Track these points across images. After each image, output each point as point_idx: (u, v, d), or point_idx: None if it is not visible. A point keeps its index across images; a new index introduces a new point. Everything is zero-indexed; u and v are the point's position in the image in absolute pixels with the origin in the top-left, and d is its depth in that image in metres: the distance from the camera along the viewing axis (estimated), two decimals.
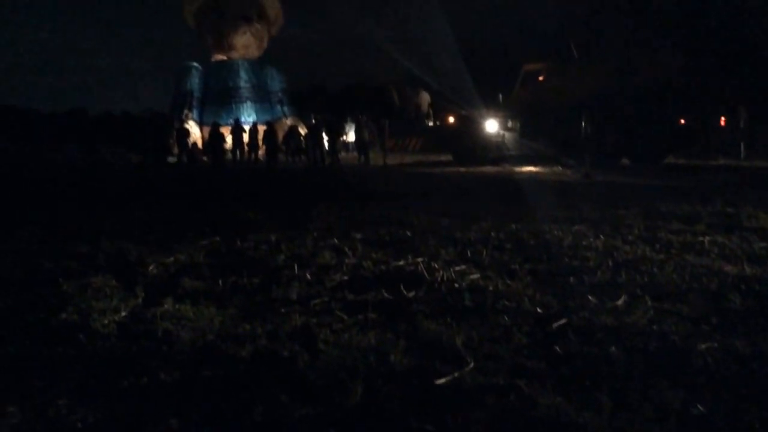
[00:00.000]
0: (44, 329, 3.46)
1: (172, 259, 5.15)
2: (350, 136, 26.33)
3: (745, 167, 16.65)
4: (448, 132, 22.32)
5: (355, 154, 21.78)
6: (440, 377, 2.69)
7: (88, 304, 3.88)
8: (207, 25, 30.81)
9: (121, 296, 4.04)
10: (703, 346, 2.98)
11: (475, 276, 4.42)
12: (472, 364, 2.81)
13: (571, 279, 4.32)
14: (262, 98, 31.04)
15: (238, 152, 23.14)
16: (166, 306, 3.80)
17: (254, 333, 3.32)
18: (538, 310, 3.64)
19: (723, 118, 16.95)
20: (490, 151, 19.80)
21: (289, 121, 28.94)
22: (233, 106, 29.94)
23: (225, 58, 31.37)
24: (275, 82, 31.84)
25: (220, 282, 4.39)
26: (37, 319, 3.64)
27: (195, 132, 27.31)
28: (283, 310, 3.70)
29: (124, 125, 23.74)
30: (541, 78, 19.35)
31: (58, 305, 3.87)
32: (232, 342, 3.19)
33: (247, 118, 28.85)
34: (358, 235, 6.11)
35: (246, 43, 31.02)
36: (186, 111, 29.14)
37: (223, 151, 22.72)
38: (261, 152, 23.23)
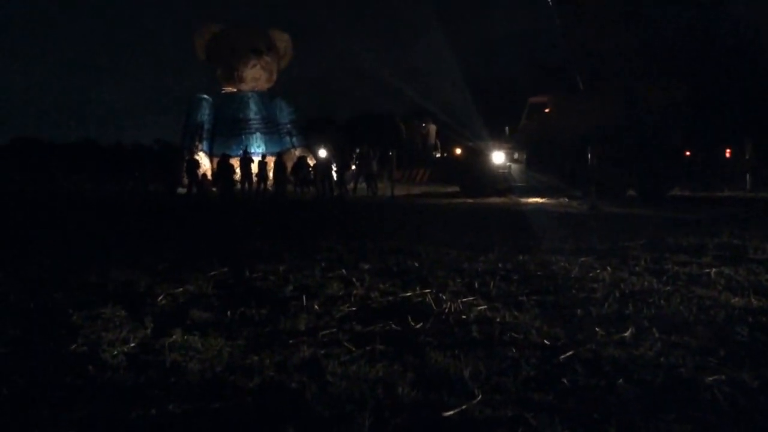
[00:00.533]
0: (54, 360, 3.48)
1: (180, 289, 5.20)
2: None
3: (751, 198, 16.63)
4: (455, 163, 22.48)
5: (363, 184, 21.90)
6: (448, 409, 2.70)
7: (98, 334, 3.91)
8: (218, 57, 31.42)
9: (130, 327, 4.07)
10: (711, 379, 2.98)
11: (483, 307, 4.44)
12: (480, 397, 2.82)
13: (578, 311, 4.33)
14: (271, 130, 31.46)
15: (246, 183, 23.33)
16: (174, 337, 3.83)
17: (262, 364, 3.34)
18: (546, 341, 3.65)
19: (728, 150, 17.00)
20: (497, 182, 19.89)
21: (297, 152, 29.22)
22: (243, 137, 30.34)
23: (235, 90, 31.89)
24: (284, 114, 32.30)
25: (229, 313, 4.42)
26: (46, 350, 3.67)
27: (205, 163, 27.61)
28: (291, 342, 3.72)
29: (134, 156, 24.01)
30: (547, 110, 19.53)
31: (68, 336, 3.91)
32: (241, 373, 3.20)
33: (257, 149, 29.23)
34: (366, 266, 6.14)
35: (256, 76, 31.56)
36: (196, 142, 29.52)
37: (233, 182, 22.91)
38: (270, 183, 23.42)
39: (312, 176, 23.63)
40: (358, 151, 21.49)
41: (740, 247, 7.18)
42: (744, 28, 17.95)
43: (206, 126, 30.79)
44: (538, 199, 17.40)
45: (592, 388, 2.93)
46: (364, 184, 21.59)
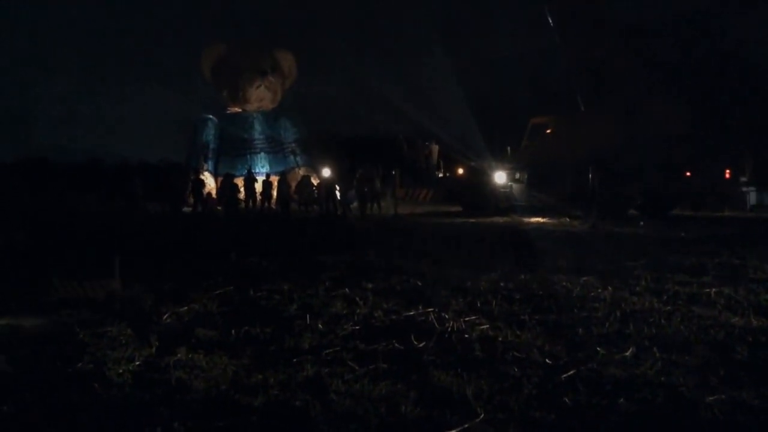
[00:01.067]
0: (60, 378, 3.52)
1: (186, 308, 5.24)
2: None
3: (751, 218, 16.63)
4: (458, 183, 22.58)
5: (357, 204, 21.94)
6: (451, 428, 2.72)
7: (104, 353, 3.95)
8: (223, 78, 31.75)
9: (135, 345, 4.11)
10: (711, 398, 3.00)
11: (485, 326, 4.47)
12: (482, 415, 2.85)
13: (580, 330, 4.36)
14: (275, 149, 31.65)
15: (250, 202, 23.45)
16: (179, 355, 3.87)
17: (266, 383, 3.37)
18: (547, 361, 3.68)
19: (728, 170, 17.09)
20: (499, 202, 19.95)
21: (302, 171, 29.36)
22: (247, 157, 30.54)
23: (240, 110, 32.18)
24: (289, 133, 32.51)
25: (233, 331, 4.45)
26: (53, 369, 3.71)
27: (210, 183, 27.76)
28: (295, 360, 3.76)
29: (141, 175, 24.12)
30: (548, 131, 19.67)
31: (75, 354, 3.95)
32: (245, 392, 3.24)
33: (261, 168, 29.37)
34: (370, 285, 6.18)
35: (260, 96, 31.87)
36: (201, 162, 29.71)
37: (237, 201, 23.03)
38: (273, 202, 23.53)
39: (316, 195, 23.73)
40: (360, 171, 21.57)
41: (740, 267, 7.21)
42: (745, 45, 18.09)
43: (211, 146, 31.01)
44: (540, 219, 17.42)
45: (594, 407, 2.96)
46: (358, 204, 21.63)
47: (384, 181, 23.17)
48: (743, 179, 17.37)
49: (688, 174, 17.43)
